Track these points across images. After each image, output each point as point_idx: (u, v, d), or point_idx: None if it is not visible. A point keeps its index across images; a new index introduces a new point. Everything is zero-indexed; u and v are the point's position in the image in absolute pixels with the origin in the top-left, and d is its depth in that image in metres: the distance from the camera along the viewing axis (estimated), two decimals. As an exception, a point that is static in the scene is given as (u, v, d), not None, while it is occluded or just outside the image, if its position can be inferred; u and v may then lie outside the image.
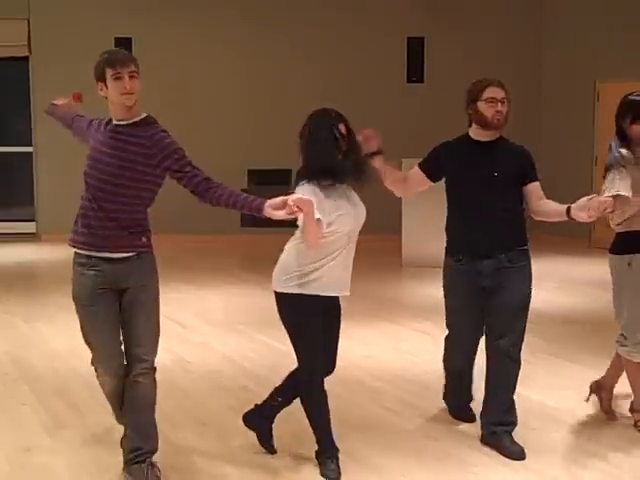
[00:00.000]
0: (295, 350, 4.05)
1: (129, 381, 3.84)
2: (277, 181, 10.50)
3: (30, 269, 10.63)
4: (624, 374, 4.70)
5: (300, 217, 3.73)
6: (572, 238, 10.99)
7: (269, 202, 3.62)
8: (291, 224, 3.89)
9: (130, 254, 3.80)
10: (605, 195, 4.23)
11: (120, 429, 4.07)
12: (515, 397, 4.38)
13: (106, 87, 3.77)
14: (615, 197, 4.20)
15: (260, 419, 4.36)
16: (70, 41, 12.22)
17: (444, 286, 4.57)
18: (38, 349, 6.32)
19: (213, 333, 6.83)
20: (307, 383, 4.06)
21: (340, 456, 4.02)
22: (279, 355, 5.75)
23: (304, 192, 3.79)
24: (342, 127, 4.01)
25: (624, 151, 4.42)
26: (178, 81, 12.41)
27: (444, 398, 4.88)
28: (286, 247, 4.08)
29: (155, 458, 3.93)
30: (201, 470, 4.07)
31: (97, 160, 3.78)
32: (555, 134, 12.46)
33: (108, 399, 4.06)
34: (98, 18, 12.25)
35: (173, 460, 4.14)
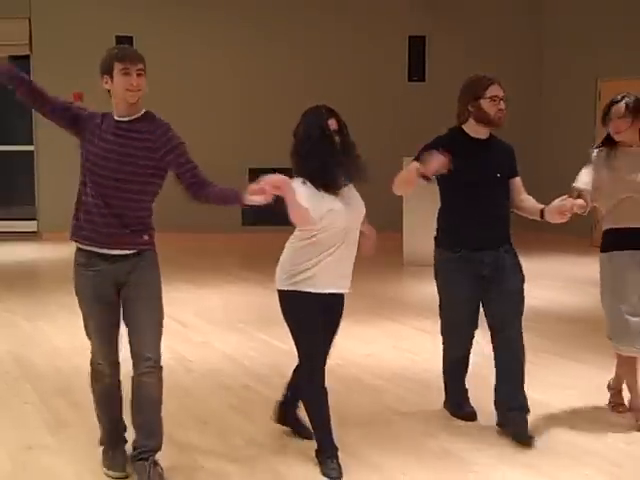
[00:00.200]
0: (296, 347, 4.07)
1: (134, 380, 3.86)
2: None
3: (31, 268, 10.64)
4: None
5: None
6: (574, 237, 10.98)
7: (248, 189, 3.67)
8: (291, 222, 3.90)
9: (130, 251, 3.81)
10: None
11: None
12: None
13: (111, 80, 3.76)
14: (582, 194, 4.48)
15: (285, 416, 4.46)
16: (71, 40, 12.23)
17: (441, 279, 4.57)
18: (40, 348, 6.33)
19: (214, 332, 6.84)
20: (307, 381, 4.08)
21: (340, 455, 4.03)
22: (280, 353, 5.76)
23: (296, 185, 3.83)
24: (332, 123, 3.99)
25: (594, 150, 4.70)
26: (179, 80, 12.41)
27: (445, 405, 4.85)
28: (285, 245, 4.12)
29: (156, 456, 3.94)
30: (202, 468, 4.08)
31: (100, 156, 3.75)
32: (556, 133, 12.47)
33: (97, 401, 4.05)
34: (99, 17, 12.26)
35: (174, 458, 4.15)
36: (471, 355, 4.74)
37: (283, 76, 12.47)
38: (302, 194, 3.82)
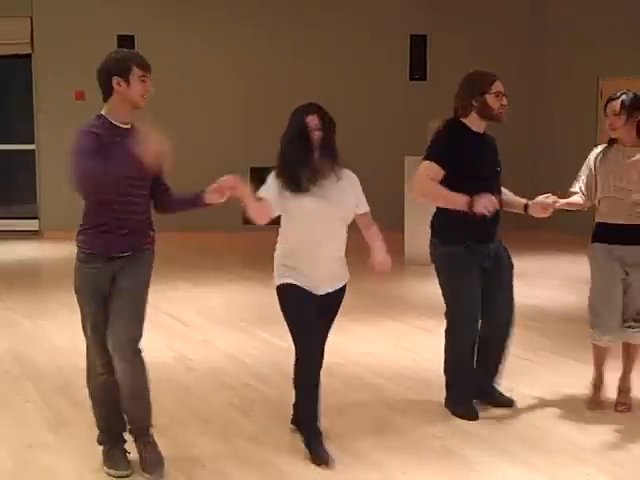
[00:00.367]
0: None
1: (120, 365, 3.87)
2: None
3: (32, 267, 10.65)
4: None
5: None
6: (573, 236, 10.96)
7: (208, 189, 3.90)
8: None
9: (130, 253, 3.89)
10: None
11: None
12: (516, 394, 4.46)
13: (126, 84, 3.77)
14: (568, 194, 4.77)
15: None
16: (73, 39, 12.23)
17: (454, 272, 4.60)
18: (41, 346, 6.33)
19: (215, 331, 6.84)
20: (296, 372, 4.14)
21: (340, 454, 4.03)
22: (281, 352, 5.76)
23: (270, 179, 4.10)
24: (312, 119, 4.05)
25: (593, 148, 4.87)
26: (180, 79, 12.40)
27: (446, 404, 4.83)
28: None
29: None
30: (203, 467, 4.08)
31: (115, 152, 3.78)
32: (557, 132, 12.46)
33: (94, 399, 4.05)
34: (101, 16, 12.26)
35: (175, 457, 4.15)
36: None
37: (284, 75, 12.47)
38: (266, 184, 4.08)
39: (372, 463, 4.11)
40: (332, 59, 12.60)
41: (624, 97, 4.64)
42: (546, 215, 4.64)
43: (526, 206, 4.67)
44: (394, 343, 6.41)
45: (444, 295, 4.72)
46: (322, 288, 4.17)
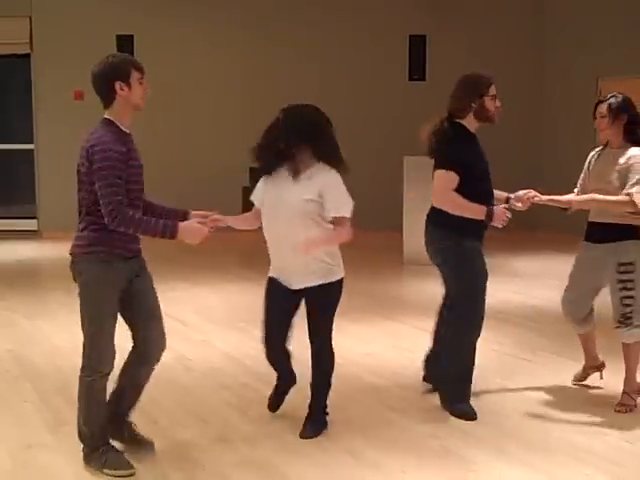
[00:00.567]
0: None
1: (141, 365, 4.09)
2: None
3: (32, 266, 10.65)
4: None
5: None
6: (572, 236, 10.96)
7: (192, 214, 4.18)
8: None
9: (138, 254, 4.06)
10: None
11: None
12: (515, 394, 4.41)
13: (128, 87, 3.84)
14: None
15: None
16: (72, 39, 12.24)
17: (479, 266, 4.72)
18: (40, 346, 6.33)
19: (214, 331, 6.84)
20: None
21: (336, 451, 4.02)
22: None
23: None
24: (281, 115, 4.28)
25: (595, 149, 4.97)
26: (179, 79, 12.42)
27: (467, 397, 4.85)
28: None
29: (156, 454, 4.04)
30: (202, 467, 4.08)
31: (138, 173, 3.92)
32: (556, 132, 12.47)
33: (97, 404, 4.02)
34: (100, 16, 12.27)
35: (174, 457, 4.15)
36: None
37: (283, 75, 12.47)
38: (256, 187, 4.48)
39: (371, 463, 4.12)
40: (331, 59, 12.61)
41: (612, 100, 4.78)
42: (524, 208, 4.83)
43: (507, 199, 4.88)
44: (393, 343, 6.42)
45: (457, 281, 4.77)
46: (295, 282, 4.33)
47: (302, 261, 4.25)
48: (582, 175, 5.02)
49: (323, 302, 4.38)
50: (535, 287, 8.59)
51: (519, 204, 4.84)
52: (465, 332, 4.79)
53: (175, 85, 12.25)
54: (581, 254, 4.99)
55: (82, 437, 4.04)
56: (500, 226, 4.60)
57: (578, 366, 5.31)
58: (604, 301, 5.04)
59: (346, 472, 4.00)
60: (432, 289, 4.89)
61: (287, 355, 4.60)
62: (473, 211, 4.60)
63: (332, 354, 4.46)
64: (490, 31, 12.69)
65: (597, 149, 4.96)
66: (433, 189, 4.69)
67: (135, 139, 3.97)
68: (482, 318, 4.81)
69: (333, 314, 4.41)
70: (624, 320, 4.76)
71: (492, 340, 6.16)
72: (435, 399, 4.95)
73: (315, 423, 4.46)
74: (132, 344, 4.09)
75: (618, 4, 11.43)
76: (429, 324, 6.58)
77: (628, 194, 4.58)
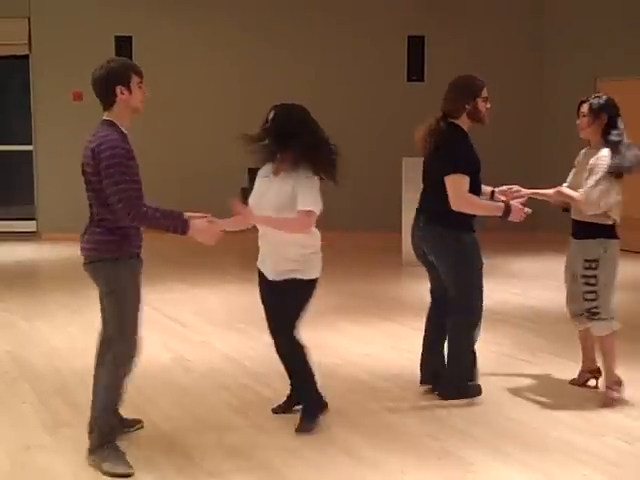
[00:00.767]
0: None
1: (133, 360, 4.10)
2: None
3: (30, 268, 10.64)
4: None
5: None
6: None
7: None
8: None
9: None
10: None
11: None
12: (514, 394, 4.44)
13: (128, 91, 3.94)
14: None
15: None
16: (70, 40, 12.23)
17: (473, 259, 4.86)
18: (38, 348, 6.32)
19: (213, 332, 6.84)
20: None
21: (335, 452, 4.02)
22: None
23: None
24: (271, 113, 4.49)
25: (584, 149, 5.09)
26: (178, 80, 12.41)
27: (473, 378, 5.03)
28: None
29: (155, 456, 4.02)
30: (201, 467, 4.08)
31: (135, 167, 3.98)
32: (556, 132, 12.47)
33: (118, 393, 4.12)
34: (98, 17, 12.26)
35: (174, 457, 4.15)
36: None
37: (283, 76, 12.47)
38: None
39: (371, 463, 4.12)
40: (330, 61, 12.61)
41: (593, 100, 4.92)
42: (518, 220, 4.86)
43: (492, 193, 5.08)
44: (392, 344, 6.41)
45: (457, 278, 4.87)
46: (269, 274, 4.52)
47: (276, 254, 4.44)
48: (571, 173, 5.14)
49: (289, 298, 4.46)
50: (534, 288, 8.59)
51: (502, 198, 5.01)
52: (465, 330, 4.91)
53: (173, 86, 12.25)
54: (568, 250, 5.15)
55: (94, 428, 4.07)
56: (518, 220, 4.79)
57: (576, 367, 5.31)
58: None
59: (346, 472, 4.00)
60: (431, 290, 4.89)
61: None
62: (492, 209, 4.81)
63: (301, 347, 4.52)
64: (489, 32, 12.69)
65: (585, 148, 5.08)
66: (449, 194, 4.75)
67: (133, 140, 4.00)
68: (480, 317, 4.90)
69: (299, 312, 4.49)
70: (591, 315, 4.89)
71: (490, 341, 6.16)
72: (435, 399, 4.95)
73: (308, 417, 4.50)
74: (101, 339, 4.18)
75: (617, 6, 11.43)
76: (428, 325, 6.60)
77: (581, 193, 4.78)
